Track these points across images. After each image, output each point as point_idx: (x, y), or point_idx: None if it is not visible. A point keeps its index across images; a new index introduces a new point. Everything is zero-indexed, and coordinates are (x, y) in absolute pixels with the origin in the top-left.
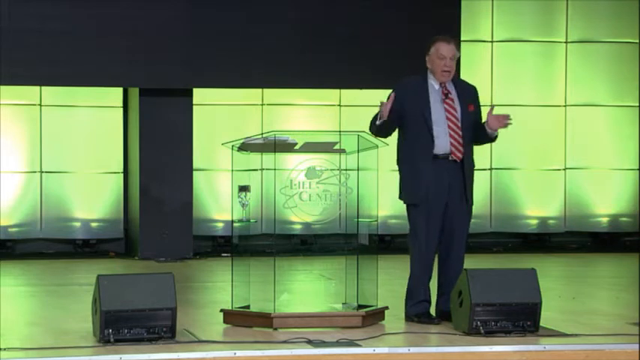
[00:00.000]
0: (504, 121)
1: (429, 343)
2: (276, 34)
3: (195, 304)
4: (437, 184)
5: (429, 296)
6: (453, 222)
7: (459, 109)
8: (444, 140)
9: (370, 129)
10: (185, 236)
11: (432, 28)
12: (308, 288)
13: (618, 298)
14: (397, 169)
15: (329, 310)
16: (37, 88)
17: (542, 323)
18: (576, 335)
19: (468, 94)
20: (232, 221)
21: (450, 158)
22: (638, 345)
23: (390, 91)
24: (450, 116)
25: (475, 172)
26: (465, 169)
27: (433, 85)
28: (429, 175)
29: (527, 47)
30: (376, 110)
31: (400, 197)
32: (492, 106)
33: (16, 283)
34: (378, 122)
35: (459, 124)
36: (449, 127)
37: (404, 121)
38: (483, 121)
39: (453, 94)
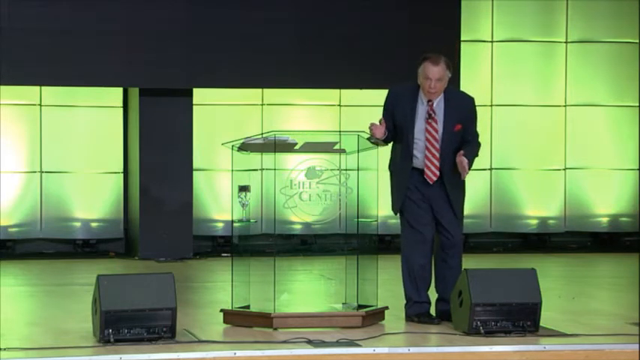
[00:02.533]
0: (463, 170)
1: (429, 343)
2: (276, 34)
3: (195, 304)
4: (414, 195)
5: (428, 298)
6: (444, 232)
7: (440, 130)
8: (421, 158)
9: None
10: (185, 236)
11: (432, 28)
12: (308, 288)
13: (618, 298)
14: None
15: (329, 310)
16: (37, 88)
17: (542, 323)
18: (576, 335)
19: (458, 111)
20: (232, 221)
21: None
22: (638, 345)
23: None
24: (429, 137)
25: (475, 172)
26: (447, 187)
27: (422, 99)
28: (407, 186)
29: (527, 47)
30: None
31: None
32: (462, 152)
33: (16, 283)
34: (372, 140)
35: (437, 147)
36: (427, 148)
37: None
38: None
39: (439, 114)
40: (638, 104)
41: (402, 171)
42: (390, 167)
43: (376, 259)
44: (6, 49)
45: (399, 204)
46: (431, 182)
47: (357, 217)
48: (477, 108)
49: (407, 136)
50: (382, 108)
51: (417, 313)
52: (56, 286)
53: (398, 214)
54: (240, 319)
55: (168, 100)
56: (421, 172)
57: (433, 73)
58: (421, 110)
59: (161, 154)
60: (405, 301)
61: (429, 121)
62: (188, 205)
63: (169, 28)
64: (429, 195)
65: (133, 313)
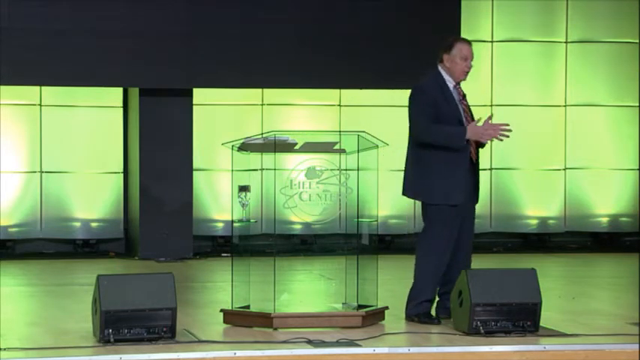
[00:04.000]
0: (500, 129)
1: (429, 343)
2: (276, 34)
3: (195, 304)
4: (468, 185)
5: (435, 296)
6: (468, 222)
7: (469, 108)
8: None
9: (436, 137)
10: (185, 236)
11: (432, 28)
12: (308, 288)
13: (618, 298)
14: (406, 166)
15: (329, 310)
16: (37, 88)
17: (542, 323)
18: (576, 335)
19: None
20: (232, 221)
21: (469, 158)
22: (638, 345)
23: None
24: (467, 117)
25: None
26: (477, 168)
27: (449, 83)
28: (466, 177)
29: (527, 47)
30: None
31: (420, 197)
32: (490, 116)
33: (16, 283)
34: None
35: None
36: None
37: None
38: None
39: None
40: (638, 104)
41: (460, 162)
42: (435, 158)
43: (376, 259)
44: (6, 49)
45: (460, 197)
46: (474, 161)
47: (357, 217)
48: (477, 108)
49: (458, 120)
50: (419, 107)
51: (417, 313)
52: (56, 286)
53: (434, 205)
54: (240, 319)
55: (168, 100)
56: (468, 160)
57: (470, 52)
58: (455, 94)
59: (161, 154)
60: (406, 300)
61: (464, 101)
62: (188, 205)
63: (169, 28)
64: (472, 184)
65: (133, 313)
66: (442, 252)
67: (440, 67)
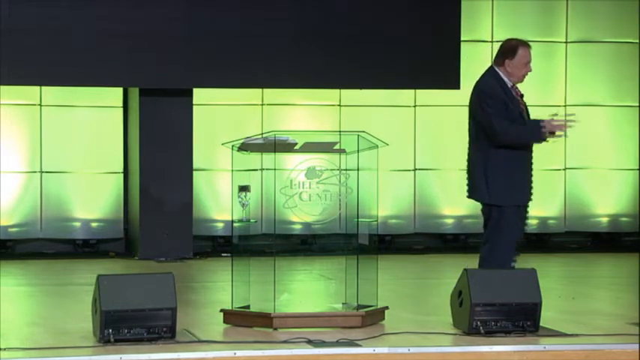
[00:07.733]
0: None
1: (429, 343)
2: (276, 33)
3: (195, 304)
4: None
5: None
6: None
7: (527, 108)
8: None
9: (517, 136)
10: (185, 236)
11: (432, 28)
12: (308, 288)
13: (618, 298)
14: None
15: (329, 310)
16: (37, 88)
17: (542, 323)
18: (576, 335)
19: None
20: (232, 221)
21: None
22: (638, 345)
23: None
24: (526, 117)
25: None
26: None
27: (508, 84)
28: (529, 176)
29: None
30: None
31: (493, 199)
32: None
33: (16, 283)
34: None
35: None
36: None
37: None
38: None
39: None
40: (638, 104)
41: (525, 159)
42: (504, 159)
43: (376, 259)
44: (6, 49)
45: (527, 196)
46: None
47: (357, 217)
48: None
49: (523, 119)
50: (494, 110)
51: None
52: (56, 286)
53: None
54: (240, 319)
55: (168, 100)
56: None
57: (531, 56)
58: (513, 93)
59: (161, 154)
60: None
61: (522, 100)
62: (188, 205)
63: (169, 28)
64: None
65: (133, 313)
66: (508, 257)
67: (497, 69)
